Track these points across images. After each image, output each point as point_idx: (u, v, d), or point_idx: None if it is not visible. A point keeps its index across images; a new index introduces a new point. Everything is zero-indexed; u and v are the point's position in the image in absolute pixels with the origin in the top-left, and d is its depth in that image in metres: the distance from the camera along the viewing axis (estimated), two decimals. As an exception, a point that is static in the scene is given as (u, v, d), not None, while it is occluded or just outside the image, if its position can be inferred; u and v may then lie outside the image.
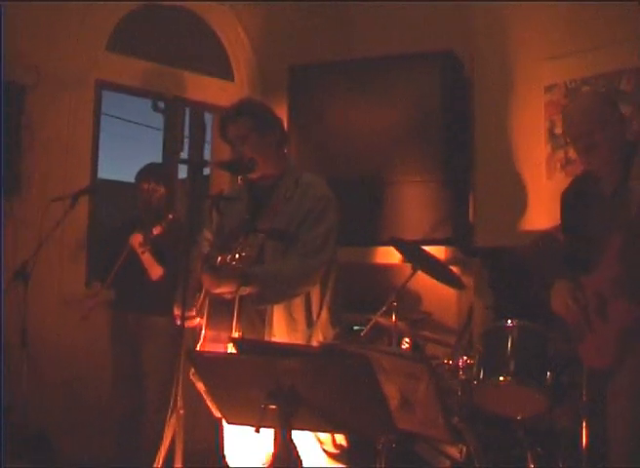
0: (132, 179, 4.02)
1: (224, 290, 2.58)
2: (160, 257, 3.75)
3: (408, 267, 3.71)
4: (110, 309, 3.98)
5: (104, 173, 4.89)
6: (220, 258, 2.55)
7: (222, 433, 2.83)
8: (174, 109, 5.04)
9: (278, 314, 2.73)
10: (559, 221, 2.89)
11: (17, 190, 3.98)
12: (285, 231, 2.63)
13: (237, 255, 2.46)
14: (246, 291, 2.59)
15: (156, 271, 3.75)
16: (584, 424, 2.64)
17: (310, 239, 2.69)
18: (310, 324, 2.77)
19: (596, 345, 2.54)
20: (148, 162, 4.15)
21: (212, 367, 2.07)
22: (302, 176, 2.86)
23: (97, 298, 3.89)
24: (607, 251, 2.50)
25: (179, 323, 2.48)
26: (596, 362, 2.57)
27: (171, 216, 3.69)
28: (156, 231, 3.66)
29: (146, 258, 3.73)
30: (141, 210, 3.92)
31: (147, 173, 3.91)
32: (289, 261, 2.67)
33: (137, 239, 3.68)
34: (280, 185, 2.83)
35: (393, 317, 3.60)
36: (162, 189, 3.87)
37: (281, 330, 2.72)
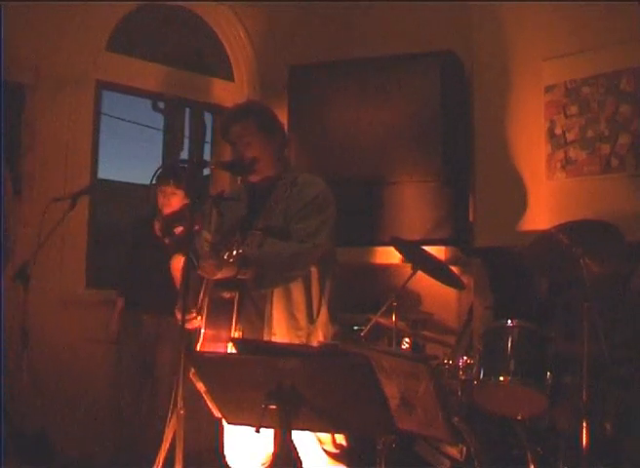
0: (132, 180, 4.04)
1: (224, 274, 2.57)
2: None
3: (408, 267, 3.71)
4: (125, 310, 3.98)
5: (104, 173, 4.88)
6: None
7: (222, 433, 2.83)
8: (174, 109, 5.04)
9: (278, 312, 2.73)
10: (559, 221, 2.89)
11: (17, 190, 3.98)
12: (281, 228, 2.63)
13: (234, 253, 2.46)
14: (245, 274, 2.59)
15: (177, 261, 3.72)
16: (584, 424, 2.65)
17: (306, 226, 2.71)
18: (310, 322, 2.77)
19: None
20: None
21: (212, 367, 2.07)
22: (300, 176, 2.87)
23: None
24: None
25: (180, 324, 2.49)
26: None
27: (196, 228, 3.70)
28: (178, 231, 3.65)
29: (177, 277, 3.70)
30: (161, 213, 3.87)
31: (168, 174, 3.81)
32: (285, 245, 2.66)
33: (178, 264, 3.65)
34: (278, 186, 2.84)
35: (393, 317, 3.60)
36: (182, 193, 3.81)
37: (281, 328, 2.72)
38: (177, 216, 3.77)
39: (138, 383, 3.85)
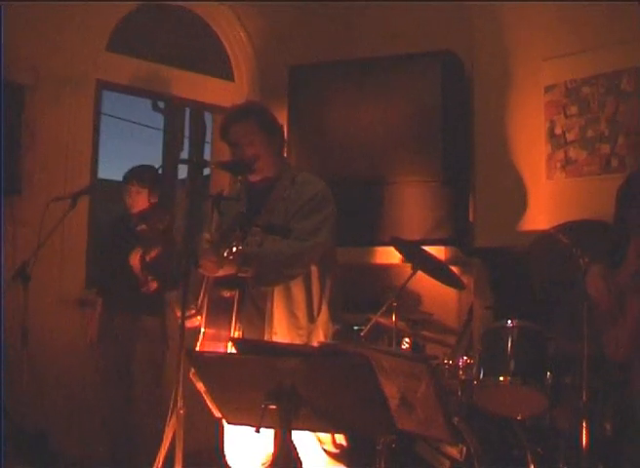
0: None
1: (225, 272, 2.57)
2: (154, 270, 3.78)
3: (408, 267, 3.71)
4: (102, 311, 3.98)
5: (104, 173, 4.88)
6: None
7: (222, 433, 2.83)
8: (174, 109, 5.04)
9: (278, 311, 2.73)
10: (559, 221, 2.89)
11: (17, 190, 3.98)
12: (283, 225, 2.63)
13: (234, 249, 2.46)
14: (246, 272, 2.59)
15: (151, 285, 3.78)
16: (584, 424, 2.64)
17: (305, 225, 2.71)
18: (311, 321, 2.78)
19: (614, 337, 2.56)
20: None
21: (212, 367, 2.07)
22: (298, 176, 2.88)
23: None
24: (632, 246, 2.52)
25: (180, 323, 2.49)
26: (613, 353, 2.58)
27: (161, 226, 3.78)
28: (153, 254, 3.73)
29: (136, 272, 3.76)
30: (131, 212, 3.93)
31: (133, 175, 3.90)
32: (286, 243, 2.67)
33: (135, 261, 3.73)
34: (277, 186, 2.84)
35: (393, 317, 3.60)
36: (147, 192, 3.87)
37: (282, 327, 2.73)
38: (142, 215, 3.83)
39: (117, 384, 3.87)
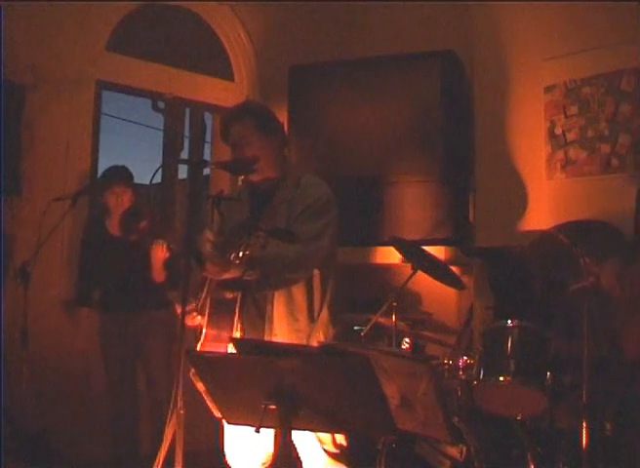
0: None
1: (230, 275, 2.56)
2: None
3: (408, 267, 3.71)
4: (100, 311, 3.98)
5: (104, 173, 4.88)
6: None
7: (222, 433, 2.83)
8: (174, 109, 5.04)
9: (279, 313, 2.73)
10: (559, 221, 2.90)
11: (17, 190, 3.98)
12: (288, 231, 2.63)
13: (240, 254, 2.46)
14: (251, 275, 2.59)
15: (161, 275, 3.78)
16: (584, 424, 2.65)
17: (308, 229, 2.70)
18: (311, 322, 2.77)
19: (627, 334, 2.56)
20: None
21: (212, 367, 2.07)
22: (303, 178, 2.86)
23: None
24: None
25: (180, 321, 2.49)
26: (630, 350, 2.59)
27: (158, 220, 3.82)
28: (142, 225, 3.75)
29: (157, 265, 3.76)
30: (114, 212, 3.93)
31: (119, 175, 3.93)
32: (290, 247, 2.66)
33: (160, 254, 3.73)
34: (281, 187, 2.83)
35: (393, 317, 3.60)
36: (130, 192, 3.92)
37: (282, 328, 2.73)
38: (134, 213, 3.87)
39: (125, 381, 3.87)
